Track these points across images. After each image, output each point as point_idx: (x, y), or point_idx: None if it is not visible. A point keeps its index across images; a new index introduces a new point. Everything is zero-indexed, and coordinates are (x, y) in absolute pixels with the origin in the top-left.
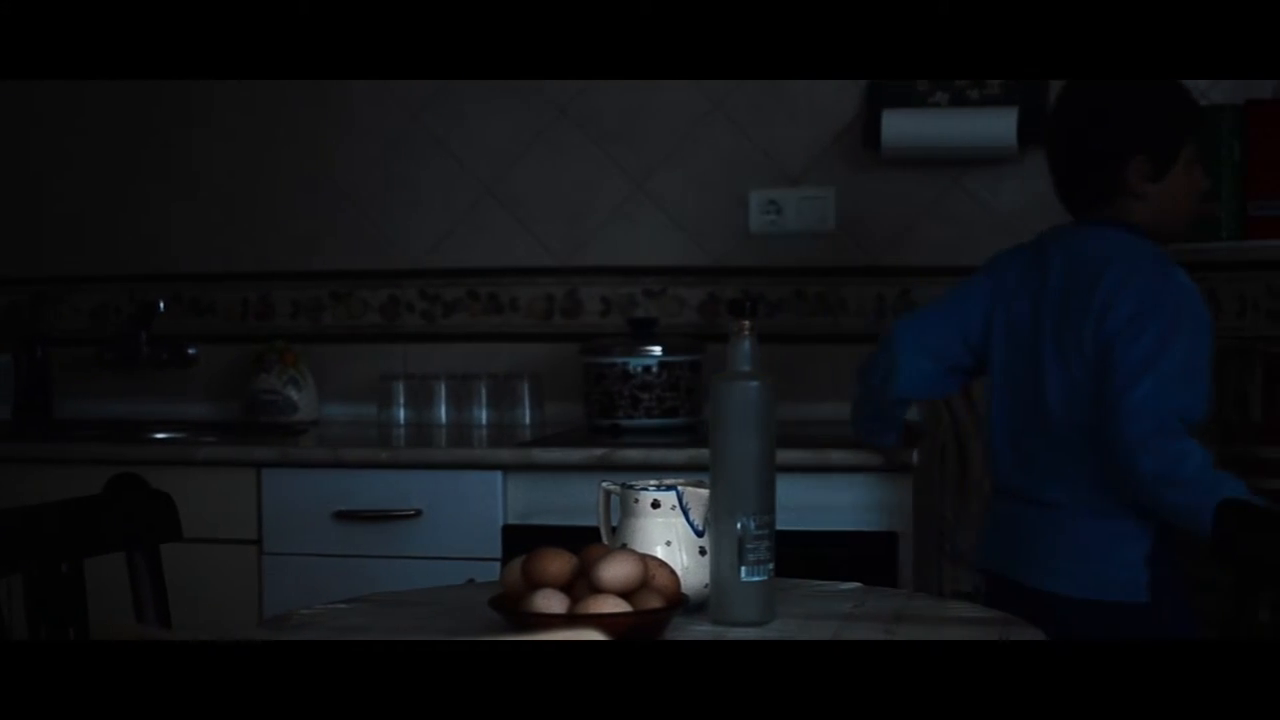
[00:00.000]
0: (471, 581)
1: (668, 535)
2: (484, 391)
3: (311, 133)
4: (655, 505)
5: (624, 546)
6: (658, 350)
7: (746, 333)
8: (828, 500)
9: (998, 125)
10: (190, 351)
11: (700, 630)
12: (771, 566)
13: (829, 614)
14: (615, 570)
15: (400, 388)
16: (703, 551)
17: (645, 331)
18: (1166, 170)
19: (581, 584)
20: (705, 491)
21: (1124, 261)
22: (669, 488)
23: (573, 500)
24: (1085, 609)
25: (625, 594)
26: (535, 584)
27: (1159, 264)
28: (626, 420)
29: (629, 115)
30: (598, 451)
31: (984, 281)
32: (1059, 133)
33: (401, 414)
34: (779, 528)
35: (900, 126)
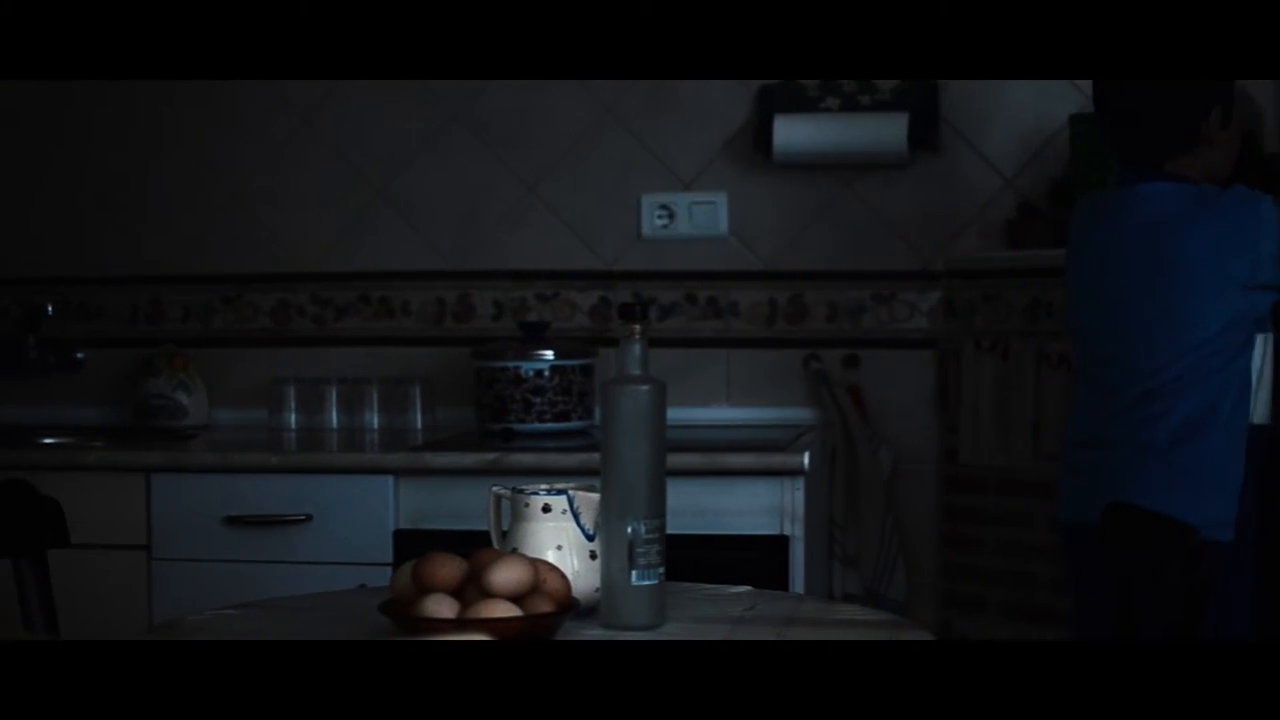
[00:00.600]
0: (363, 586)
1: (558, 539)
2: (375, 396)
3: (201, 135)
4: (546, 509)
5: (514, 551)
6: (549, 354)
7: (637, 337)
8: (719, 504)
9: (888, 130)
10: (79, 356)
11: (591, 634)
12: (662, 570)
13: (720, 617)
14: (505, 574)
15: (291, 392)
16: (594, 555)
17: (537, 335)
18: (1230, 120)
19: (472, 588)
20: (596, 495)
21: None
22: (560, 492)
23: (464, 505)
24: (1174, 544)
25: (515, 598)
26: (425, 588)
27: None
28: (518, 424)
29: (521, 119)
30: (489, 456)
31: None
32: (1131, 90)
33: (292, 418)
34: (670, 531)
35: (791, 132)
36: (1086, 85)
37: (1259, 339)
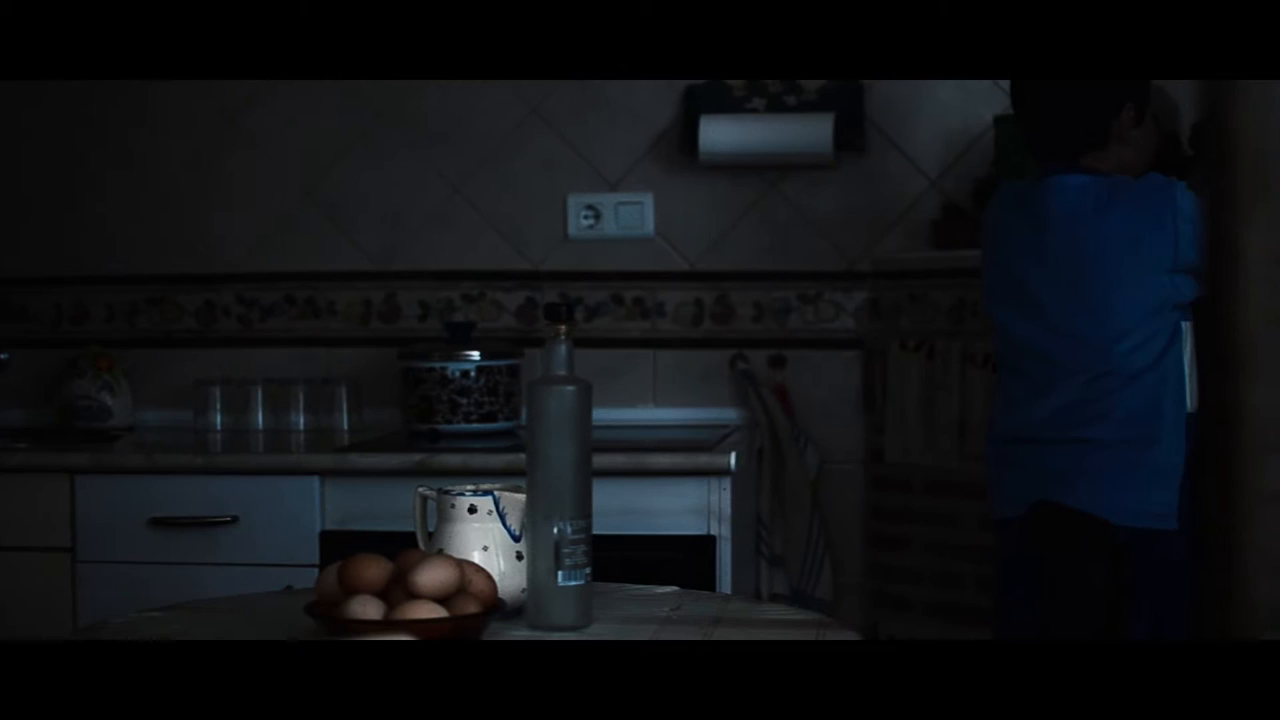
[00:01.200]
0: (289, 588)
1: (484, 540)
2: (301, 396)
3: (128, 134)
4: (472, 510)
5: (440, 552)
6: (476, 355)
7: (563, 337)
8: (645, 504)
9: (814, 131)
10: (2, 357)
11: (517, 635)
12: (588, 571)
13: (646, 618)
14: (431, 575)
15: (216, 393)
16: (520, 556)
17: (463, 336)
18: (1143, 118)
19: (397, 590)
20: (522, 496)
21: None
22: (485, 493)
23: (391, 506)
24: (1122, 536)
25: (441, 599)
26: (351, 590)
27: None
28: (445, 425)
29: (448, 120)
30: (416, 457)
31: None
32: (1043, 89)
33: (218, 419)
34: (596, 532)
35: (717, 132)
36: (1009, 86)
37: (1184, 327)
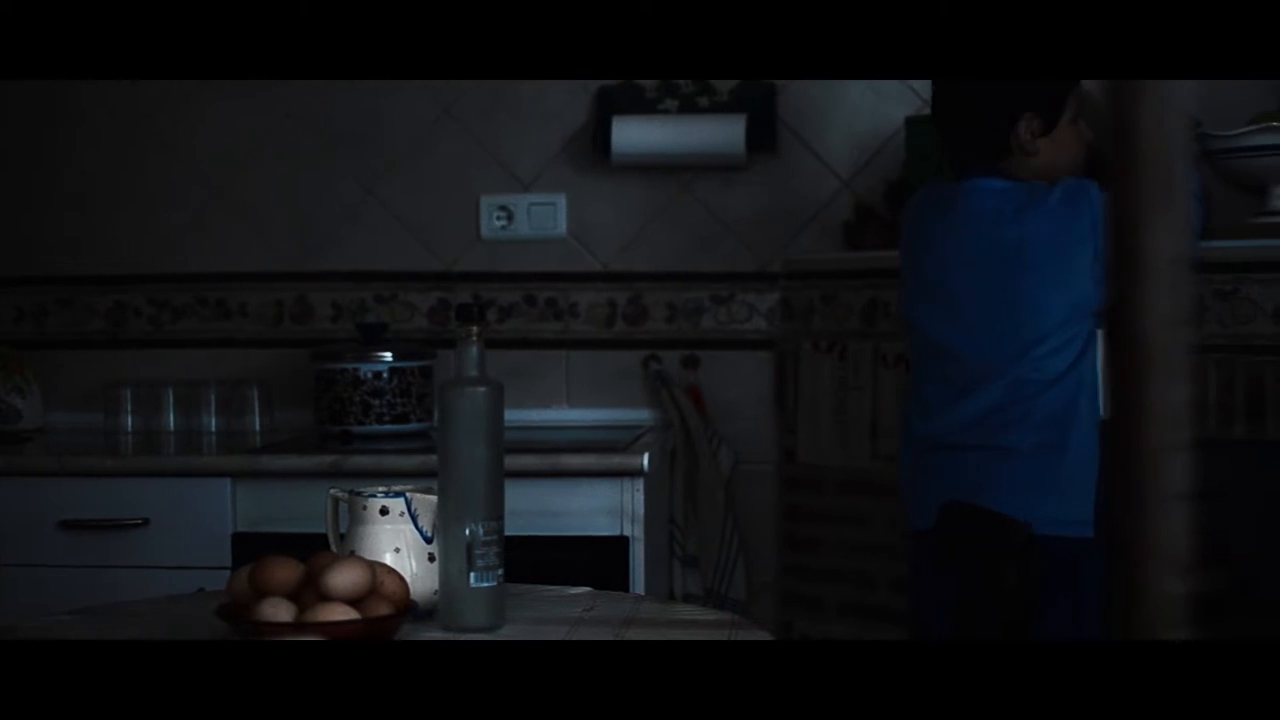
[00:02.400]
0: (201, 590)
1: (396, 542)
2: (213, 398)
3: (35, 133)
4: (384, 512)
5: (352, 554)
6: (388, 356)
7: (474, 338)
8: (558, 505)
9: (726, 133)
10: None
11: (430, 637)
12: (501, 572)
13: (559, 618)
14: (342, 577)
15: (127, 394)
16: (432, 558)
17: (375, 337)
18: (1054, 126)
19: (309, 592)
20: (434, 498)
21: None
22: (397, 494)
23: (303, 507)
24: (1041, 545)
25: (353, 601)
26: (262, 592)
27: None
28: (357, 426)
29: (360, 119)
30: (328, 458)
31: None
32: (949, 96)
33: (129, 421)
34: (509, 533)
35: (630, 133)
36: (922, 88)
37: (1098, 334)
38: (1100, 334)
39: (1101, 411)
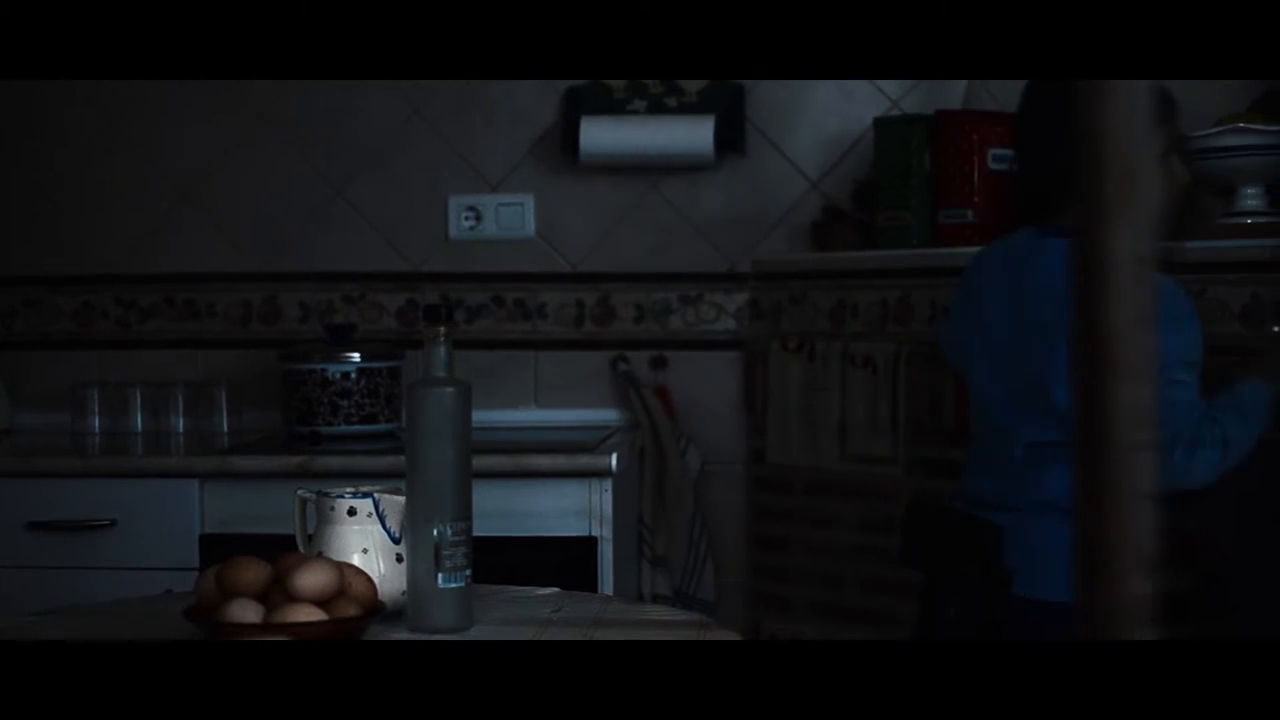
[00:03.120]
0: (169, 592)
1: (364, 542)
2: (180, 399)
3: (4, 134)
4: (351, 513)
5: (320, 554)
6: (356, 356)
7: (442, 339)
8: (527, 506)
9: (695, 133)
10: None
11: (397, 637)
12: (469, 573)
13: (527, 619)
14: (310, 578)
15: (95, 395)
16: (400, 558)
17: (343, 338)
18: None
19: (277, 593)
20: (402, 499)
21: None
22: (365, 495)
23: (271, 508)
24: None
25: (321, 602)
26: (230, 593)
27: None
28: (325, 427)
29: (328, 120)
30: (296, 459)
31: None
32: (1034, 142)
33: (96, 422)
34: (477, 534)
35: (598, 134)
36: (890, 88)
37: None
38: None
39: None
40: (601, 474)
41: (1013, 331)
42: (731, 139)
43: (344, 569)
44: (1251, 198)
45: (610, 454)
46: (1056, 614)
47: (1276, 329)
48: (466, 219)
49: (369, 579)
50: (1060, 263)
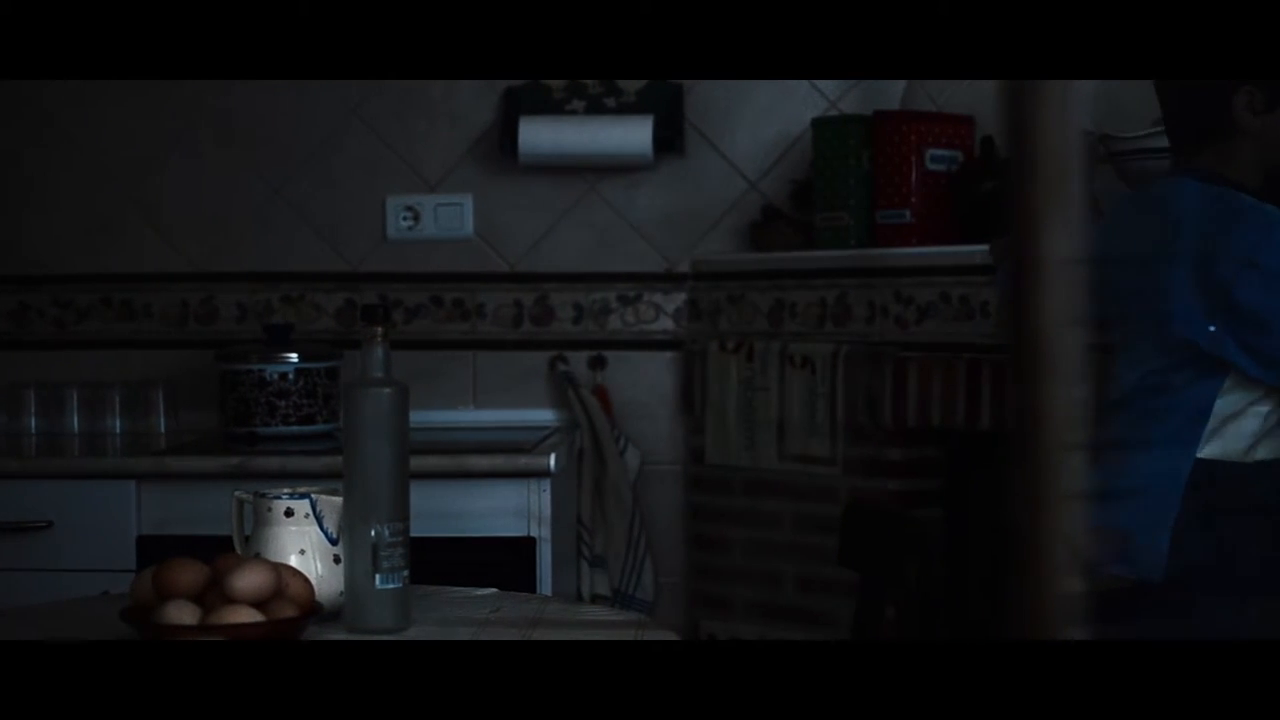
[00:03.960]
0: (106, 594)
1: (301, 544)
2: (117, 399)
3: None
4: (289, 514)
5: (257, 556)
6: (294, 357)
7: (379, 339)
8: (465, 506)
9: (633, 133)
10: None
11: (335, 638)
12: (406, 573)
13: (465, 620)
14: (247, 580)
15: (31, 396)
16: (337, 559)
17: (281, 338)
18: (1276, 104)
19: (214, 594)
20: (339, 499)
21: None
22: (302, 495)
23: (208, 510)
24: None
25: (258, 603)
26: (166, 595)
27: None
28: (263, 428)
29: (266, 119)
30: (233, 460)
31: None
32: (1164, 82)
33: (32, 423)
34: (415, 534)
35: (537, 134)
36: (829, 88)
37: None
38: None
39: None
40: (540, 474)
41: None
42: (670, 139)
43: (281, 570)
44: None
45: (549, 454)
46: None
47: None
48: (405, 219)
49: (306, 580)
50: (1190, 202)
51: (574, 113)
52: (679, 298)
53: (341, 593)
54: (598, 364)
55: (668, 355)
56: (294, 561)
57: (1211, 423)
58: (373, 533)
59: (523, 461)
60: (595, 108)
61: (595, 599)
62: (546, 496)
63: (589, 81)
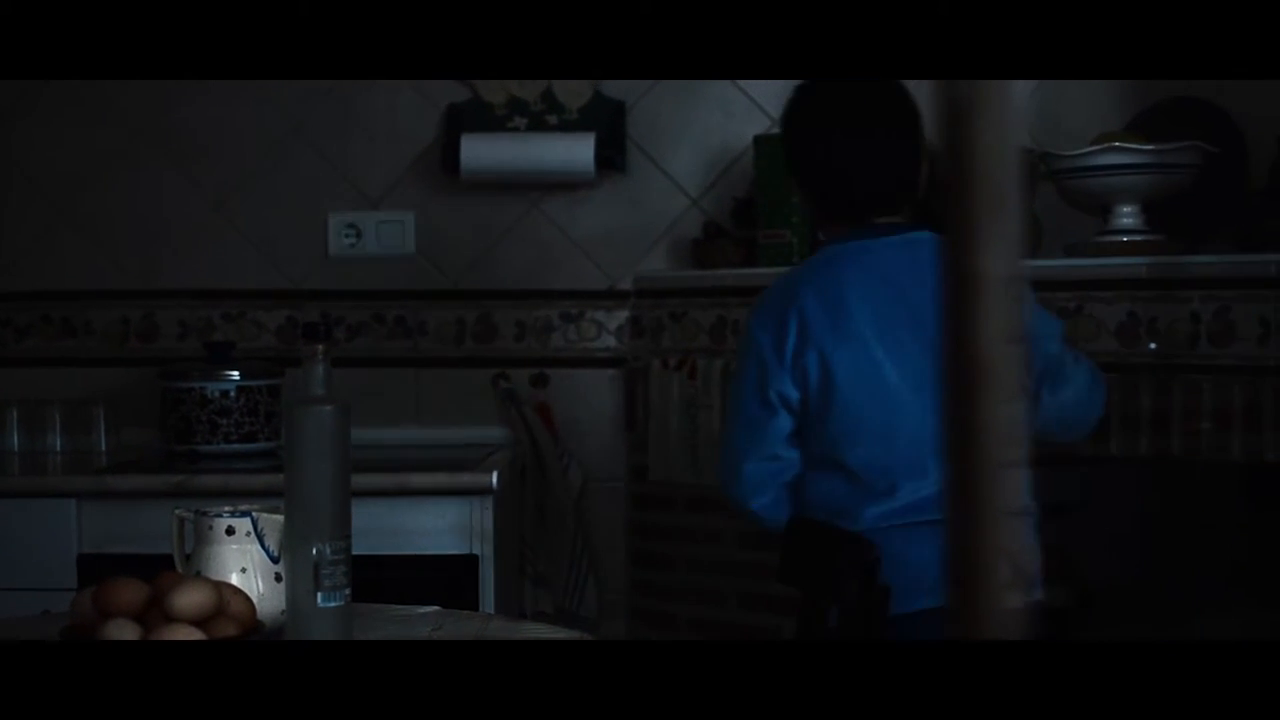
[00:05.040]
0: (46, 613)
1: (243, 562)
2: (57, 417)
3: None
4: (230, 532)
5: (198, 574)
6: (236, 374)
7: (320, 357)
8: (407, 524)
9: (575, 150)
10: None
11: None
12: (348, 591)
13: (407, 638)
14: (188, 598)
15: None
16: (279, 578)
17: (223, 355)
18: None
19: (155, 613)
20: (280, 517)
21: None
22: (243, 514)
23: (149, 528)
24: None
25: (199, 622)
26: (107, 614)
27: None
28: (204, 446)
29: (207, 134)
30: (175, 478)
31: (773, 335)
32: (848, 150)
33: None
34: (357, 552)
35: (479, 151)
36: (769, 105)
37: None
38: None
39: None
40: (482, 492)
41: (906, 326)
42: (612, 156)
43: (222, 588)
44: (1126, 216)
45: (491, 471)
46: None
47: (1152, 346)
48: (346, 236)
49: (247, 598)
50: (925, 251)
51: (516, 130)
52: (621, 315)
53: (283, 611)
54: (540, 381)
55: (610, 373)
56: (235, 580)
57: None
58: (314, 551)
59: (465, 479)
60: (537, 125)
61: (538, 617)
62: (489, 514)
63: (530, 99)
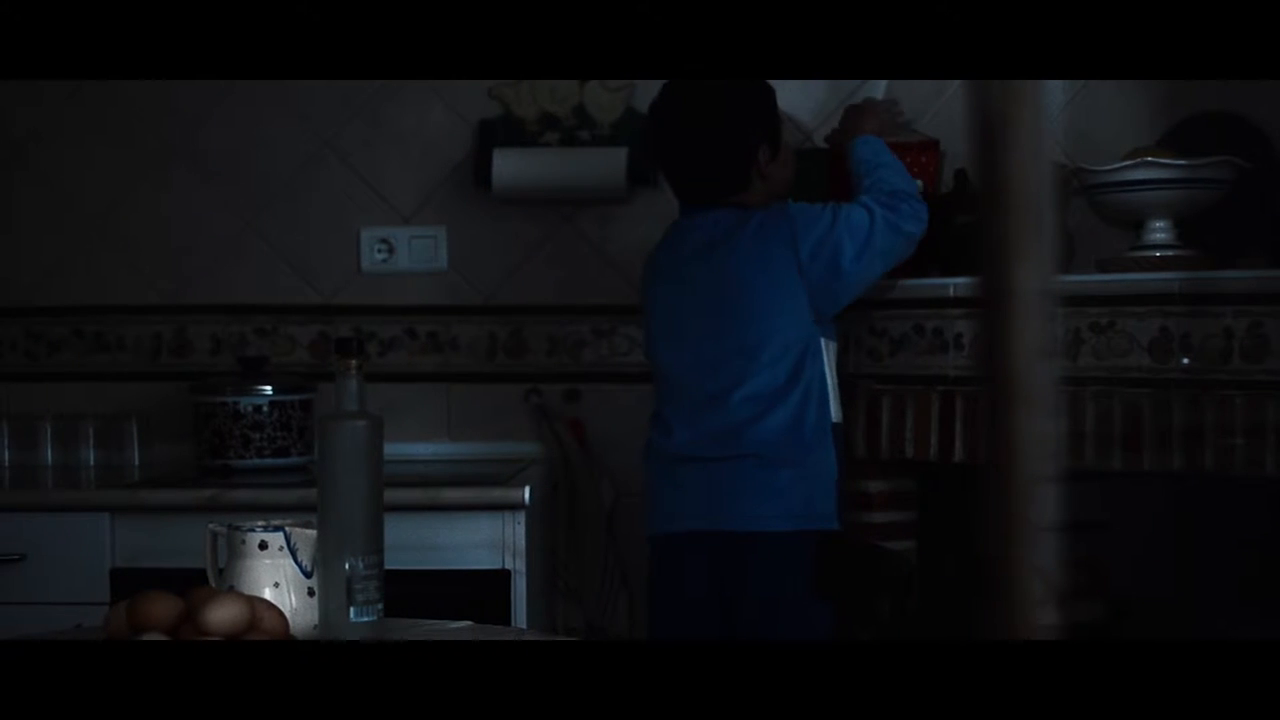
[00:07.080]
0: (79, 627)
1: (276, 577)
2: (91, 432)
3: None
4: (263, 546)
5: (231, 589)
6: (268, 389)
7: (353, 372)
8: (440, 539)
9: (607, 165)
10: None
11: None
12: (381, 607)
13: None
14: (221, 613)
15: (3, 428)
16: (311, 592)
17: (255, 370)
18: (778, 152)
19: (188, 628)
20: (313, 532)
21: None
22: (276, 528)
23: (182, 542)
24: (790, 540)
25: (232, 637)
26: (140, 628)
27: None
28: (237, 460)
29: (239, 151)
30: (207, 492)
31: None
32: (684, 134)
33: (5, 455)
34: (390, 567)
35: (511, 166)
36: (801, 117)
37: (824, 344)
38: (827, 343)
39: (834, 416)
40: (514, 507)
41: (687, 303)
42: (644, 171)
43: (255, 603)
44: (1159, 231)
45: (523, 486)
46: (775, 544)
47: (1185, 361)
48: (379, 251)
49: (280, 613)
50: (709, 229)
51: (548, 145)
52: None
53: (316, 626)
54: (572, 397)
55: (642, 388)
56: (268, 594)
57: None
58: (347, 565)
59: (497, 494)
60: (569, 140)
61: (569, 631)
62: (521, 529)
63: (562, 114)
